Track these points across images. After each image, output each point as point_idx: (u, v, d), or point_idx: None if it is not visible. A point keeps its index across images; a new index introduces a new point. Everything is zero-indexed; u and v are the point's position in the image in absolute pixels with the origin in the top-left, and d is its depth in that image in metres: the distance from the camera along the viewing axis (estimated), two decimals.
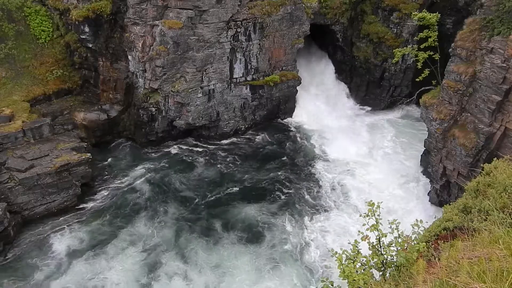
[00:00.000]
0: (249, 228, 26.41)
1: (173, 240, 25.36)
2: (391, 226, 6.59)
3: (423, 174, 30.98)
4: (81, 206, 28.02)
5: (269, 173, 31.93)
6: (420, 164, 31.59)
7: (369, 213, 6.58)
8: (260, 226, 26.58)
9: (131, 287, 22.21)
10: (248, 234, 25.87)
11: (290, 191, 29.96)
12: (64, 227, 26.20)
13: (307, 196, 29.43)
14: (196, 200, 28.90)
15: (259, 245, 25.04)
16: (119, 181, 30.44)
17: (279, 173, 31.86)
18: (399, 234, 6.50)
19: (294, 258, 23.97)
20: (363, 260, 6.37)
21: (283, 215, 27.47)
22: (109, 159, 32.80)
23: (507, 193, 7.12)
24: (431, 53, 30.09)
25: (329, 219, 27.27)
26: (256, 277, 22.65)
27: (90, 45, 32.24)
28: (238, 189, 30.26)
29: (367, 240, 6.50)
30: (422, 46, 30.64)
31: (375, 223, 6.50)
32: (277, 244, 25.08)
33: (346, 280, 6.01)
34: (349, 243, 6.74)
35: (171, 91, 32.50)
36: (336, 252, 6.40)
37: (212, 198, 29.16)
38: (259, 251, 24.53)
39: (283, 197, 29.39)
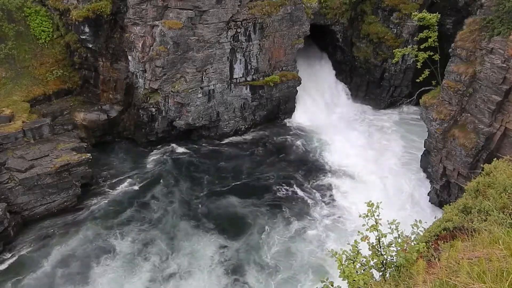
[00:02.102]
0: (233, 223, 27.08)
1: (167, 224, 26.79)
2: (390, 227, 6.58)
3: (423, 174, 30.99)
4: (81, 206, 28.06)
5: (266, 173, 31.98)
6: (420, 165, 31.59)
7: (369, 214, 6.58)
8: (244, 222, 27.08)
9: (121, 260, 24.03)
10: (229, 228, 26.58)
11: (283, 192, 29.97)
12: (62, 227, 26.28)
13: (299, 199, 29.36)
14: (195, 194, 29.64)
15: (235, 240, 25.61)
16: (118, 181, 30.46)
17: (275, 173, 31.89)
18: (399, 235, 6.49)
19: (262, 262, 24.17)
20: (363, 260, 6.36)
21: (270, 216, 27.60)
22: (109, 159, 32.83)
23: (507, 193, 7.12)
24: (431, 53, 30.09)
25: (314, 225, 27.13)
26: (215, 275, 23.22)
27: (90, 45, 32.24)
28: (234, 186, 30.56)
29: (366, 241, 6.49)
30: (422, 46, 30.64)
31: (375, 223, 6.50)
32: (252, 243, 25.46)
33: (346, 281, 6.00)
34: (348, 243, 6.74)
35: (171, 91, 32.50)
36: (336, 253, 6.39)
37: (209, 193, 29.71)
38: (232, 246, 25.12)
39: (275, 197, 29.44)
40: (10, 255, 24.23)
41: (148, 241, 25.45)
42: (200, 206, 28.53)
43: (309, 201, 29.16)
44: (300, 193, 29.94)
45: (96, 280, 22.76)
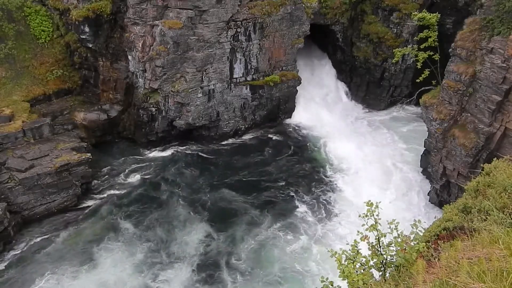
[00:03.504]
0: (222, 216, 27.74)
1: (170, 214, 27.88)
2: (390, 226, 6.58)
3: (423, 174, 30.98)
4: (81, 205, 28.09)
5: (264, 173, 32.00)
6: (420, 164, 31.57)
7: (368, 213, 6.57)
8: (233, 216, 27.69)
9: (127, 241, 25.65)
10: (220, 221, 27.35)
11: (278, 193, 29.88)
12: (60, 229, 26.36)
13: (292, 201, 29.26)
14: (194, 189, 30.24)
15: (221, 232, 26.38)
16: (118, 181, 30.52)
17: (273, 174, 31.89)
18: (398, 234, 6.48)
19: (236, 261, 24.51)
20: (362, 260, 6.35)
21: (260, 213, 27.87)
22: (109, 159, 32.84)
23: (507, 193, 7.11)
24: (431, 53, 30.06)
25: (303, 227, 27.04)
26: (191, 269, 23.86)
27: (90, 45, 32.23)
28: (231, 183, 30.89)
29: (366, 240, 6.49)
30: (422, 46, 30.62)
31: (374, 223, 6.49)
32: (236, 236, 25.98)
33: (346, 280, 6.00)
34: (347, 243, 6.74)
35: (171, 91, 32.50)
36: (336, 252, 6.38)
37: (206, 189, 30.25)
38: (215, 239, 25.88)
39: (269, 198, 29.49)
40: (10, 253, 24.34)
41: (148, 227, 26.62)
42: (198, 198, 29.19)
43: (302, 204, 28.86)
44: (295, 194, 29.78)
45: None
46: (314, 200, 29.25)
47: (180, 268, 23.89)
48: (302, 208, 28.53)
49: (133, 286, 22.86)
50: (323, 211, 28.23)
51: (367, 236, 6.45)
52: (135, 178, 30.94)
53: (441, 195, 27.62)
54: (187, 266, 23.98)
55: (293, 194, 29.86)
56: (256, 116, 37.51)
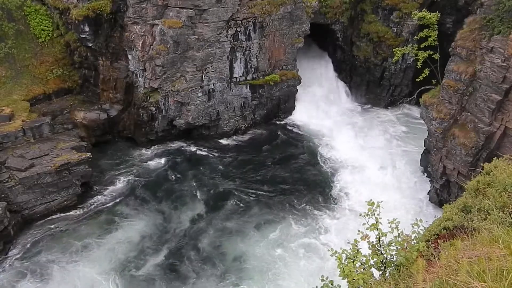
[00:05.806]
0: (214, 208, 28.55)
1: (171, 210, 28.65)
2: (390, 226, 6.58)
3: (423, 174, 30.99)
4: (81, 205, 28.10)
5: (262, 170, 32.09)
6: (420, 164, 31.59)
7: (369, 212, 6.57)
8: (222, 208, 28.42)
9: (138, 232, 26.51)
10: (208, 209, 28.45)
11: (273, 189, 30.02)
12: (61, 226, 26.48)
13: (288, 198, 29.28)
14: (194, 184, 30.72)
15: (207, 218, 27.58)
16: (118, 180, 30.52)
17: (272, 171, 31.97)
18: (399, 234, 6.48)
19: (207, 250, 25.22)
20: (363, 259, 6.36)
21: (249, 209, 28.27)
22: (109, 159, 32.85)
23: (507, 192, 7.11)
24: (431, 52, 30.05)
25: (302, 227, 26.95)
26: (169, 252, 24.88)
27: (90, 45, 32.22)
28: (230, 180, 31.13)
29: (367, 240, 6.49)
30: (422, 46, 30.61)
31: (375, 222, 6.49)
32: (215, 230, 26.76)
33: (346, 280, 6.00)
34: (348, 242, 6.75)
35: (171, 90, 32.49)
36: (336, 251, 6.39)
37: (205, 184, 30.74)
38: (202, 223, 27.08)
39: (264, 194, 29.65)
40: (10, 252, 24.43)
41: (149, 225, 27.19)
42: (196, 193, 29.80)
43: (295, 204, 28.78)
44: (289, 193, 29.80)
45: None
46: (308, 202, 29.02)
47: (159, 251, 24.90)
48: (292, 209, 28.35)
49: (118, 259, 24.14)
50: (317, 215, 27.92)
51: (368, 235, 6.45)
52: (134, 177, 30.95)
53: (441, 194, 27.63)
54: (164, 250, 25.02)
55: (288, 193, 29.81)
56: (256, 115, 37.51)
